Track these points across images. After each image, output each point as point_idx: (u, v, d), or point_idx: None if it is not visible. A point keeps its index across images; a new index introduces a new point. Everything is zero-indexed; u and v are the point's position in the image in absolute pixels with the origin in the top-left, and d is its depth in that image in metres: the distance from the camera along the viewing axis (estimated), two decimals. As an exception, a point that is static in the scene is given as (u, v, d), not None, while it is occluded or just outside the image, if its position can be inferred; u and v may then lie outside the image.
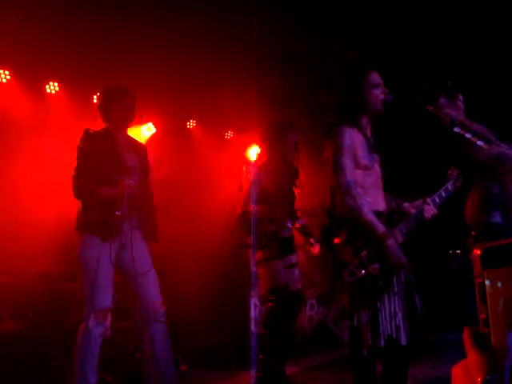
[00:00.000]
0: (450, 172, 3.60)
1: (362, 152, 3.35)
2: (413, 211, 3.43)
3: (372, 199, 3.36)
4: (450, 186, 3.55)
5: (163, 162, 6.23)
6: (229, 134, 7.21)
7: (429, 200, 3.45)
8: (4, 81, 5.46)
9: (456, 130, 2.98)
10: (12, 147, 5.20)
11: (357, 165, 3.33)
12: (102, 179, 3.63)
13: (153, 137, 6.52)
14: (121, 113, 3.80)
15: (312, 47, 5.45)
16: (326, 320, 6.86)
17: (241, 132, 6.98)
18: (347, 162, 3.30)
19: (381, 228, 3.23)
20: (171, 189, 5.94)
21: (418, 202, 3.47)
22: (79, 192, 3.66)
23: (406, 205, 3.49)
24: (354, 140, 3.35)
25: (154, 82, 5.80)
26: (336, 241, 3.32)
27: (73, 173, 3.68)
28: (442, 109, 3.02)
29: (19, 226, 4.84)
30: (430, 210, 3.41)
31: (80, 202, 3.71)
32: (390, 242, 3.22)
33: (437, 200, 3.49)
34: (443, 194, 3.52)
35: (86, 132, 3.74)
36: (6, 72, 5.45)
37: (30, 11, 4.85)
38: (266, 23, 5.13)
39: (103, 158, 3.67)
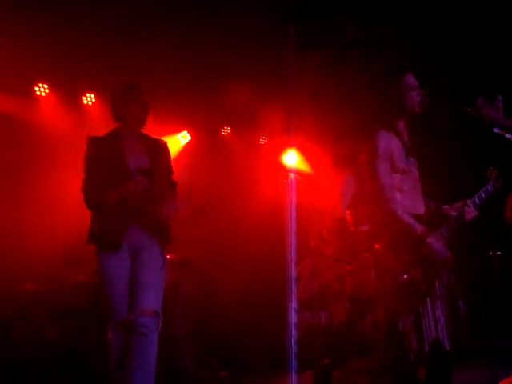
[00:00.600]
0: (489, 173, 3.55)
1: (398, 156, 3.34)
2: (453, 214, 3.39)
3: (410, 202, 3.34)
4: (489, 187, 3.49)
5: (198, 169, 6.31)
6: (263, 140, 7.23)
7: (469, 202, 3.40)
8: (43, 94, 5.61)
9: (495, 130, 2.95)
10: (52, 158, 5.32)
11: (394, 168, 3.33)
12: (106, 185, 3.42)
13: (188, 144, 6.60)
14: (139, 110, 3.57)
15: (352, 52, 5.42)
16: (364, 324, 6.81)
17: (275, 137, 6.99)
18: (382, 166, 3.29)
19: (419, 228, 3.21)
20: (206, 196, 6.00)
21: (458, 205, 3.42)
22: (89, 204, 3.49)
23: (445, 207, 3.46)
24: (391, 144, 3.34)
25: (189, 90, 5.88)
26: (377, 246, 3.31)
27: (80, 185, 3.50)
28: (480, 109, 2.99)
29: (65, 235, 4.92)
30: (470, 212, 3.36)
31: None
32: (430, 239, 3.19)
33: (477, 202, 3.43)
34: (483, 196, 3.46)
35: (90, 138, 3.54)
36: (45, 85, 5.61)
37: (65, 27, 4.97)
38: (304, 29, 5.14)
39: (106, 162, 3.48)
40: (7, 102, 5.35)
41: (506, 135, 2.96)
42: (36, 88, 5.59)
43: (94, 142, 3.54)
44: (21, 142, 5.33)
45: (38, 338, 4.51)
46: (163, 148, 3.67)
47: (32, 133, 5.45)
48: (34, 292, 4.69)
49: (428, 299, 3.21)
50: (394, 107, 3.41)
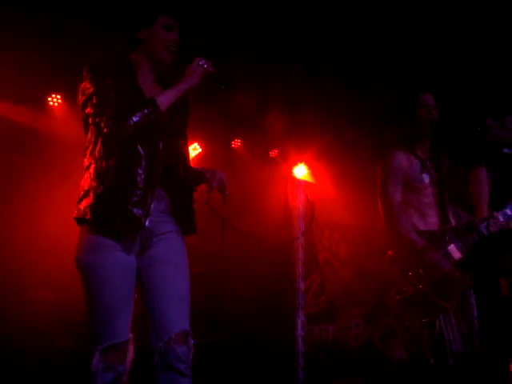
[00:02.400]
0: None
1: (412, 174, 3.40)
2: (480, 226, 3.36)
3: (423, 218, 3.39)
4: None
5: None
6: (274, 153, 7.25)
7: (496, 214, 3.37)
8: (56, 104, 5.67)
9: (506, 150, 2.97)
10: (64, 167, 5.37)
11: (407, 187, 3.39)
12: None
13: (198, 156, 6.63)
14: None
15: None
16: (372, 338, 6.79)
17: (286, 150, 7.01)
18: (392, 185, 3.36)
19: (420, 242, 3.26)
20: (217, 208, 6.01)
21: (485, 217, 3.38)
22: (124, 125, 2.37)
23: (476, 220, 3.42)
24: (403, 163, 3.39)
25: (200, 102, 5.90)
26: (386, 260, 3.35)
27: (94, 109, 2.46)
28: (490, 130, 3.01)
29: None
30: (497, 224, 3.33)
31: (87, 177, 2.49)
32: (431, 255, 3.23)
33: (509, 213, 3.35)
34: None
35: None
36: (58, 96, 5.67)
37: (79, 38, 5.01)
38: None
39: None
40: (21, 113, 5.42)
41: (515, 155, 2.98)
42: (49, 98, 5.65)
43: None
44: (34, 151, 5.40)
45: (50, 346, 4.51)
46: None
47: (45, 142, 5.51)
48: (47, 300, 4.72)
49: (443, 312, 3.22)
50: (406, 124, 3.46)
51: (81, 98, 2.51)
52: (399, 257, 3.32)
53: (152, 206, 2.43)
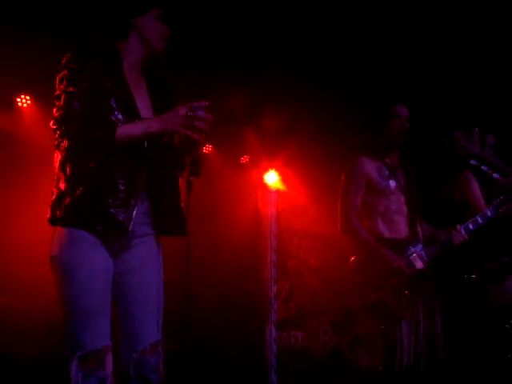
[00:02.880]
0: (493, 199, 3.53)
1: (377, 178, 3.42)
2: (443, 238, 3.41)
3: (389, 226, 3.41)
4: (489, 212, 3.48)
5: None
6: (245, 159, 7.25)
7: (459, 227, 3.42)
8: (25, 105, 5.58)
9: (472, 162, 3.02)
10: (34, 170, 5.28)
11: (373, 191, 3.41)
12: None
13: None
14: None
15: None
16: (340, 346, 6.81)
17: (257, 157, 7.02)
18: (352, 189, 3.41)
19: (373, 241, 3.29)
20: (186, 213, 5.98)
21: (450, 229, 3.45)
22: (83, 140, 2.23)
23: (439, 232, 3.48)
24: (367, 167, 3.43)
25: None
26: (348, 266, 3.37)
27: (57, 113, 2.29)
28: (458, 142, 3.06)
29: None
30: (458, 237, 3.38)
31: (61, 175, 2.32)
32: (384, 251, 3.28)
33: (470, 227, 3.44)
34: (480, 221, 3.46)
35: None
36: (27, 97, 5.58)
37: (49, 38, 4.93)
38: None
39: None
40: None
41: (482, 167, 3.03)
42: (18, 99, 5.56)
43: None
44: (2, 152, 5.30)
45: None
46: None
47: (14, 144, 5.41)
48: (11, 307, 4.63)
49: (402, 321, 3.24)
50: (376, 133, 3.50)
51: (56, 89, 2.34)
52: (361, 262, 3.34)
53: (135, 209, 2.27)
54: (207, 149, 6.94)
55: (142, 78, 2.55)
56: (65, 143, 2.22)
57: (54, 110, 2.29)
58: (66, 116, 2.24)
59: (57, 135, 2.24)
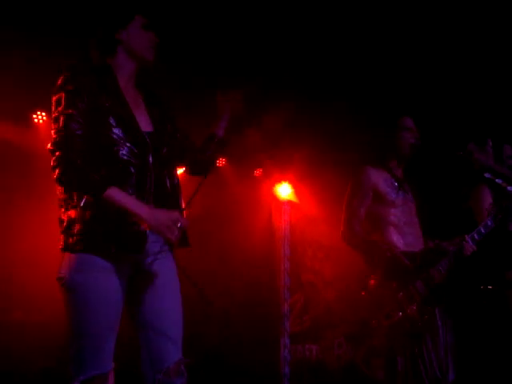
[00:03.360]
0: (489, 208, 3.55)
1: (386, 188, 3.42)
2: (452, 249, 3.41)
3: (402, 237, 3.40)
4: (489, 221, 3.49)
5: (192, 200, 6.31)
6: (258, 172, 7.26)
7: (467, 237, 3.42)
8: (41, 122, 5.65)
9: (487, 175, 3.01)
10: (48, 186, 5.33)
11: (381, 201, 3.40)
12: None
13: (182, 175, 6.61)
14: None
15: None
16: (355, 359, 6.77)
17: (270, 170, 7.04)
18: (357, 199, 3.41)
19: (385, 245, 3.26)
20: (201, 227, 6.00)
21: (457, 240, 3.44)
22: (76, 183, 2.23)
23: (444, 243, 3.48)
24: (375, 178, 3.42)
25: (183, 119, 5.90)
26: (371, 282, 3.35)
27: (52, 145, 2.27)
28: (471, 155, 3.05)
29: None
30: (469, 248, 3.38)
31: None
32: (397, 251, 3.26)
33: (476, 237, 3.44)
34: (482, 231, 3.46)
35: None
36: (43, 113, 5.65)
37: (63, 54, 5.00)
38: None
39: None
40: (5, 130, 5.39)
41: (497, 180, 3.01)
42: (34, 116, 5.63)
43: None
44: (18, 168, 5.36)
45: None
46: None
47: (30, 160, 5.46)
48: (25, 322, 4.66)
49: (427, 336, 3.23)
50: (386, 145, 3.50)
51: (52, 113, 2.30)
52: (388, 277, 3.31)
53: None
54: (221, 162, 6.98)
55: (139, 93, 2.53)
56: (56, 173, 2.21)
57: (52, 132, 2.27)
58: (65, 139, 2.22)
59: (52, 160, 2.22)
